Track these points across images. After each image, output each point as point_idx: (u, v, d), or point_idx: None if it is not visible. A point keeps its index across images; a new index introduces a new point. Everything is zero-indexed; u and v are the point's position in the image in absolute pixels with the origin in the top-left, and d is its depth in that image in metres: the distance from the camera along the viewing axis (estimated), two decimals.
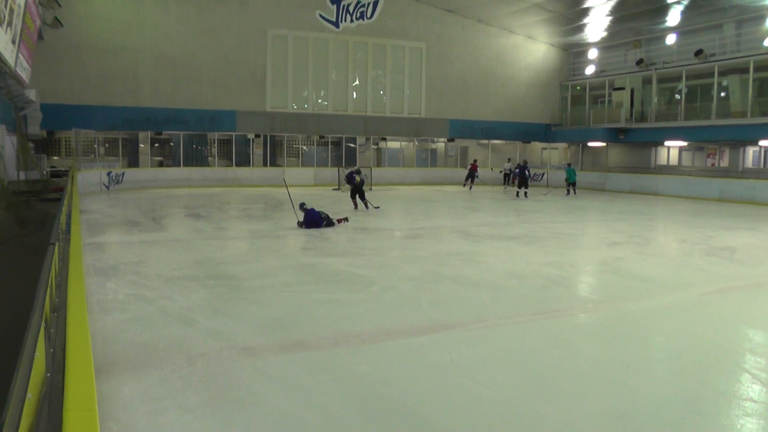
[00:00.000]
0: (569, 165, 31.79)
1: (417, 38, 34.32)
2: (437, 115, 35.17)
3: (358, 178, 20.13)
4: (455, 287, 9.00)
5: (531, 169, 30.31)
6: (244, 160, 32.44)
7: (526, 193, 27.66)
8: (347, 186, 21.67)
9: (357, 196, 20.25)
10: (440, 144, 37.91)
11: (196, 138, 31.60)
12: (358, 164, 33.22)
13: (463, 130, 36.02)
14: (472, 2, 32.92)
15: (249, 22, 30.66)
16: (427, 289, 8.86)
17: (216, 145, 32.54)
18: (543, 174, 36.25)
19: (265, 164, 32.56)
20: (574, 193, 29.58)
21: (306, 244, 13.33)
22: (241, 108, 30.90)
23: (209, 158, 32.46)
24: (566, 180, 30.16)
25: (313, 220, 15.25)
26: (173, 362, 5.55)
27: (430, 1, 33.86)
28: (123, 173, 27.75)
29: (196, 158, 31.83)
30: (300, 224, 15.32)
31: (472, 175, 33.15)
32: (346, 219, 16.32)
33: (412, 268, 10.32)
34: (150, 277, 9.12)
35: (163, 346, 5.98)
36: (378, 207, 20.58)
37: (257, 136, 32.27)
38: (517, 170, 28.55)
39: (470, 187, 32.60)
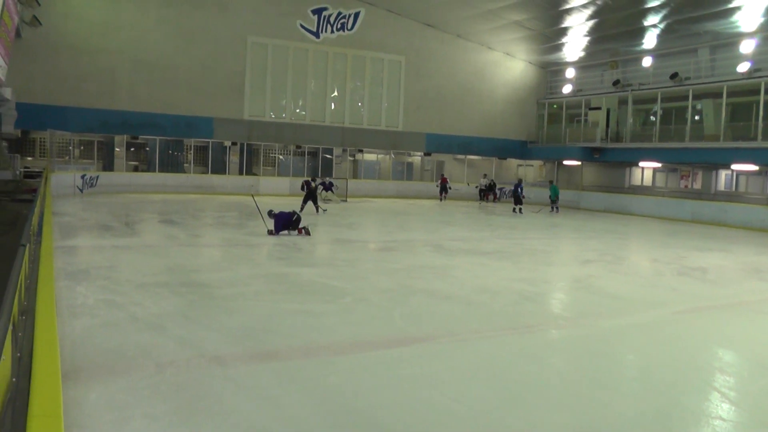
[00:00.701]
0: (552, 182, 32.06)
1: (396, 51, 34.48)
2: (414, 129, 35.30)
3: (313, 185, 20.62)
4: (427, 300, 9.01)
5: (507, 186, 32.79)
6: (220, 168, 32.24)
7: (521, 209, 28.32)
8: (327, 194, 22.75)
9: (310, 200, 20.60)
10: (417, 158, 37.99)
11: (172, 143, 31.39)
12: (334, 175, 33.31)
13: (439, 144, 36.20)
14: (451, 17, 33.16)
15: (229, 28, 30.57)
16: (399, 301, 8.86)
17: (192, 151, 32.29)
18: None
19: (241, 172, 32.40)
20: (557, 210, 29.87)
21: (279, 253, 13.28)
22: (218, 115, 30.76)
23: (185, 164, 32.22)
24: (551, 197, 30.47)
25: (285, 221, 15.23)
26: (142, 369, 5.49)
27: (410, 15, 34.06)
28: (97, 176, 27.45)
29: (172, 164, 31.58)
30: (270, 232, 15.30)
31: (444, 188, 34.72)
32: (307, 232, 15.64)
33: (384, 281, 10.32)
34: (121, 283, 9.03)
35: (132, 353, 5.91)
36: (326, 210, 21.18)
37: (234, 143, 32.10)
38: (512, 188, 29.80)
39: (442, 199, 34.42)
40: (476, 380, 5.71)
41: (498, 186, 36.31)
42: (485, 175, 36.88)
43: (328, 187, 28.94)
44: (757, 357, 7.17)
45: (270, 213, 15.44)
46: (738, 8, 25.63)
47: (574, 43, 33.66)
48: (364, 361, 6.17)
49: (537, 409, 5.06)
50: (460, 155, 37.93)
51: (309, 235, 15.58)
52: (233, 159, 32.64)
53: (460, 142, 36.56)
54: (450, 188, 35.06)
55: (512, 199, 29.64)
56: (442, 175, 36.10)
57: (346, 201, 29.12)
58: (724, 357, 7.22)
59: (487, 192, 35.38)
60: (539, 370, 6.13)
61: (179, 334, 6.58)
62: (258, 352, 6.31)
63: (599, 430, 4.77)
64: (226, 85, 30.84)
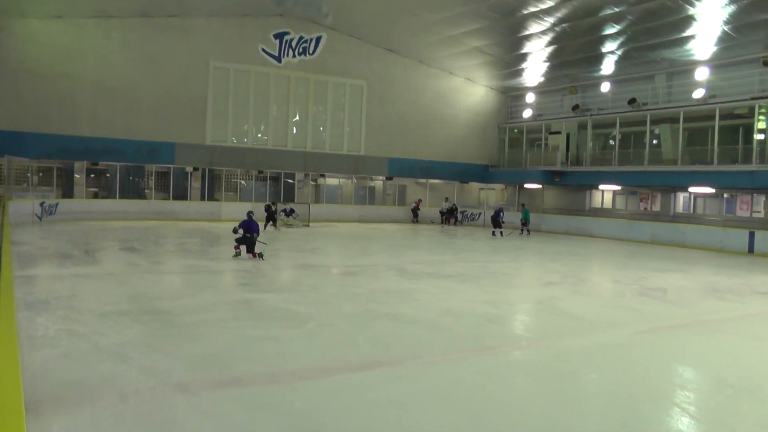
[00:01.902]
0: (524, 206, 32.40)
1: (358, 76, 34.72)
2: (376, 153, 35.47)
3: (273, 208, 21.10)
4: (392, 324, 9.05)
5: (468, 209, 35.30)
6: (181, 194, 31.98)
7: (501, 232, 29.13)
8: (288, 219, 23.18)
9: (270, 222, 20.78)
10: (378, 182, 38.16)
11: (133, 169, 31.08)
12: (296, 200, 33.25)
13: (401, 168, 36.40)
14: (413, 43, 33.56)
15: (191, 52, 30.49)
16: (363, 326, 8.89)
17: (153, 177, 32.01)
18: (479, 214, 36.93)
19: (202, 198, 32.17)
20: (527, 233, 30.30)
21: (242, 279, 13.22)
22: (180, 140, 30.55)
23: (146, 191, 31.93)
24: (522, 220, 30.85)
25: (249, 226, 16.03)
26: (105, 400, 5.42)
27: (372, 41, 34.39)
28: (57, 204, 27.01)
29: (133, 190, 31.27)
30: (235, 229, 16.09)
31: (415, 212, 35.78)
32: (261, 256, 16.03)
33: (348, 305, 10.33)
34: (82, 312, 8.90)
35: (94, 383, 5.84)
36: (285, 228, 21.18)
37: (195, 169, 31.89)
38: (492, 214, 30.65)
39: (415, 222, 35.77)
40: (442, 402, 5.75)
41: (459, 210, 36.72)
42: (446, 199, 37.24)
43: (288, 213, 29.17)
44: (716, 373, 7.38)
45: (249, 213, 16.67)
46: (692, 37, 26.45)
47: (534, 69, 34.26)
48: (330, 386, 6.17)
49: (501, 430, 5.11)
50: (422, 179, 38.20)
51: (263, 259, 15.91)
52: (195, 184, 32.41)
53: (422, 166, 36.84)
54: (419, 212, 36.10)
55: (491, 223, 30.33)
56: (419, 200, 36.96)
57: (308, 226, 29.08)
58: (684, 374, 7.41)
59: (449, 216, 35.75)
60: (503, 390, 6.20)
61: (143, 363, 6.51)
62: (223, 378, 6.27)
63: None
64: (189, 110, 30.69)
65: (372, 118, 35.31)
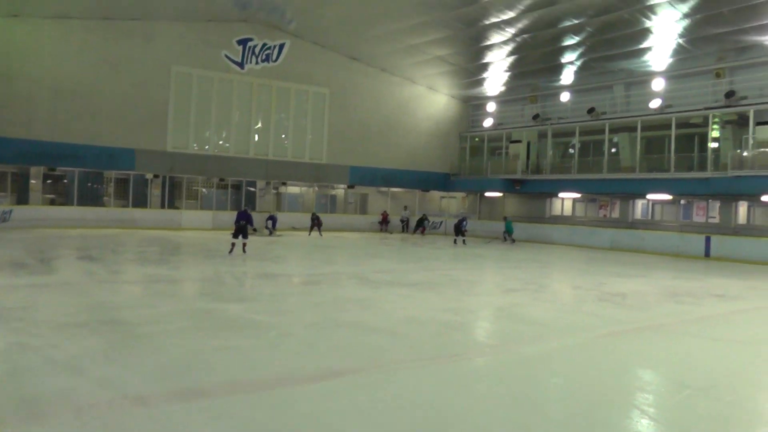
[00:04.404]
0: (506, 218, 32.61)
1: (321, 83, 34.68)
2: (338, 161, 35.44)
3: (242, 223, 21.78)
4: (354, 333, 9.00)
5: (430, 217, 35.97)
6: (141, 201, 31.54)
7: (464, 240, 29.29)
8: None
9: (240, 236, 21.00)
10: (340, 190, 38.09)
11: (92, 176, 30.58)
12: (257, 208, 33.04)
13: (363, 177, 36.43)
14: (376, 51, 33.66)
15: (153, 57, 30.15)
16: (325, 334, 8.83)
17: (113, 184, 31.48)
18: (441, 222, 37.12)
19: (162, 206, 31.79)
20: (512, 242, 30.67)
21: (203, 289, 13.08)
22: (140, 146, 30.17)
23: (105, 198, 31.42)
24: (505, 231, 31.19)
25: (242, 215, 18.88)
26: (59, 416, 5.28)
27: (335, 48, 34.39)
28: (11, 211, 26.42)
29: (91, 197, 30.76)
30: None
31: (385, 221, 35.78)
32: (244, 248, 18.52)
33: (310, 314, 10.26)
34: (37, 324, 8.69)
35: (48, 399, 5.67)
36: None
37: (156, 176, 31.50)
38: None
39: (383, 230, 35.90)
40: (403, 410, 5.72)
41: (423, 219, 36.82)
42: (406, 207, 37.40)
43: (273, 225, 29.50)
44: (674, 375, 7.53)
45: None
46: (648, 49, 27.15)
47: (496, 78, 34.62)
48: (291, 396, 6.11)
49: None
50: (383, 188, 38.23)
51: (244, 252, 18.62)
52: (155, 192, 31.99)
53: (383, 174, 36.91)
54: (389, 222, 36.16)
55: (453, 232, 30.47)
56: (384, 211, 36.86)
57: (270, 235, 28.90)
58: (643, 376, 7.55)
59: (419, 225, 35.34)
60: (465, 398, 6.20)
61: (100, 376, 6.37)
62: (183, 390, 6.16)
63: None
64: (149, 116, 30.33)
65: (334, 126, 35.32)
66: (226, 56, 32.01)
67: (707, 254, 25.80)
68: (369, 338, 8.70)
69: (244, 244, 19.23)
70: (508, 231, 31.07)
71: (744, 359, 8.70)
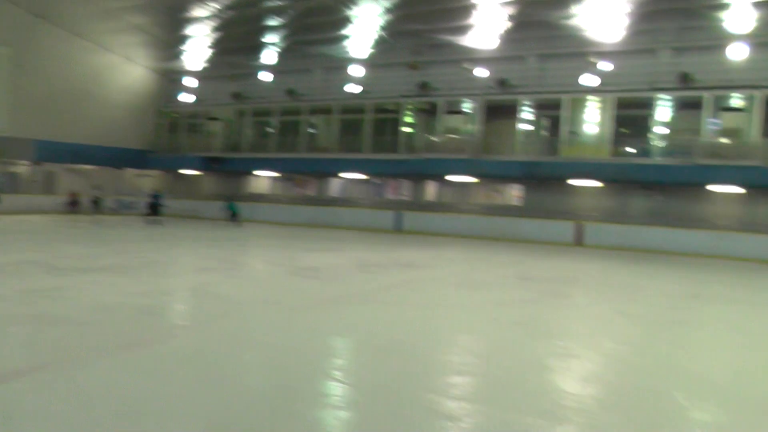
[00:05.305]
0: (230, 199, 31.23)
1: (3, 42, 30.74)
2: (22, 134, 31.39)
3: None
4: (36, 326, 8.20)
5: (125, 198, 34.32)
6: None
7: (160, 220, 28.54)
8: None
9: None
10: (24, 167, 34.19)
11: None
12: None
13: (50, 152, 32.67)
14: (66, 12, 30.85)
15: None
16: (1, 332, 7.96)
17: None
18: (137, 202, 35.26)
19: None
20: (240, 224, 29.39)
21: None
22: None
23: None
24: (231, 213, 29.99)
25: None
26: None
27: (19, 3, 30.54)
28: None
29: None
30: None
31: (75, 202, 31.69)
32: None
33: None
34: None
35: None
36: None
37: None
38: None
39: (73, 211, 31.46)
40: (89, 408, 5.42)
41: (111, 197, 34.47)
42: (97, 187, 34.59)
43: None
44: (363, 338, 8.36)
45: None
46: (346, 36, 28.83)
47: (197, 54, 33.99)
48: None
49: (156, 424, 5.02)
50: (74, 165, 35.04)
51: None
52: None
53: (74, 150, 33.50)
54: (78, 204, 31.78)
55: (148, 211, 29.24)
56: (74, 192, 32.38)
57: None
58: (332, 344, 8.23)
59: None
60: (159, 384, 6.04)
61: None
62: None
63: (225, 425, 4.91)
64: None
65: (18, 93, 31.38)
66: None
67: (398, 228, 28.22)
68: (55, 331, 8.02)
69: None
70: (233, 212, 30.18)
71: (423, 320, 9.71)
